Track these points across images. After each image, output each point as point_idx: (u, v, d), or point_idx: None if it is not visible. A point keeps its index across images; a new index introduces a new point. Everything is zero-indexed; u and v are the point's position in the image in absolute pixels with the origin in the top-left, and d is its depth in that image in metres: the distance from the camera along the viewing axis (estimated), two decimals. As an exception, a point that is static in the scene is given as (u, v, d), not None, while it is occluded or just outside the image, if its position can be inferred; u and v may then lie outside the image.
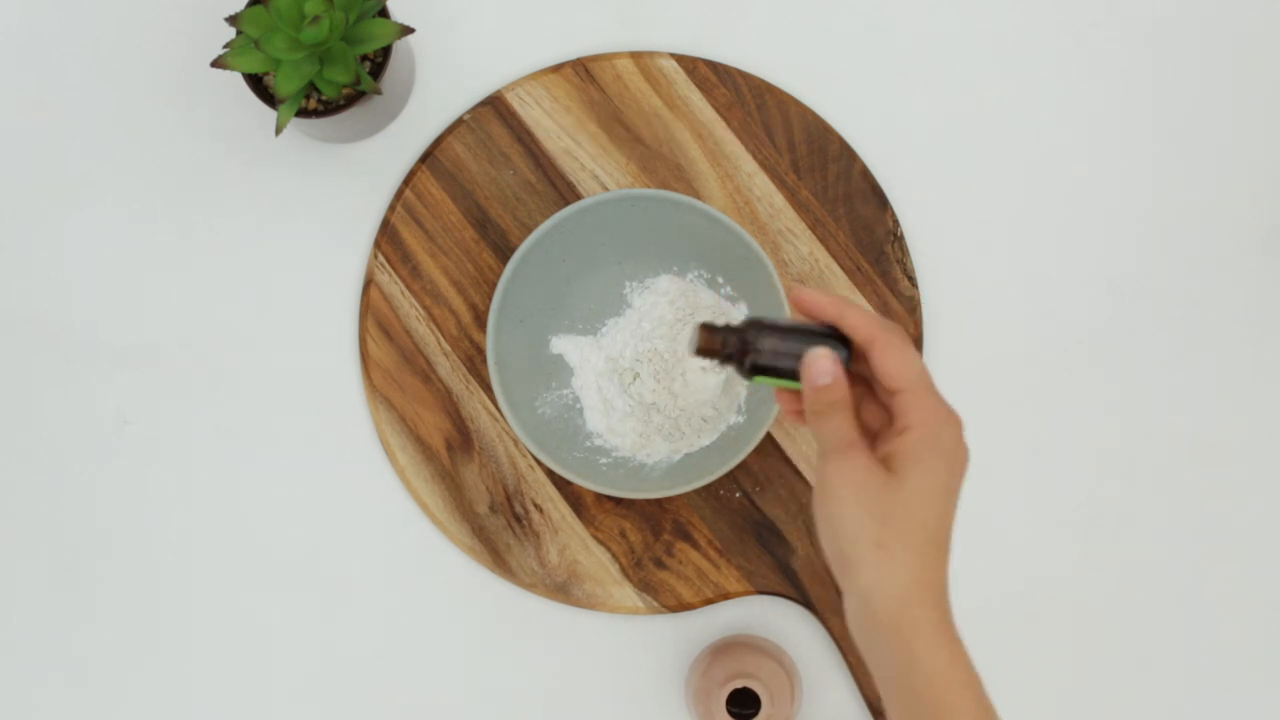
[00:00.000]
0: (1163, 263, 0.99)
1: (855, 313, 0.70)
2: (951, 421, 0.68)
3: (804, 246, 0.97)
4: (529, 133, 0.98)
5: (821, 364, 0.69)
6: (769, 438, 0.97)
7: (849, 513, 0.67)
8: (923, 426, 0.68)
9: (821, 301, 0.70)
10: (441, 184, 0.98)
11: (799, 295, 0.71)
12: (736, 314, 0.95)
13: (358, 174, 0.99)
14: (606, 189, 0.98)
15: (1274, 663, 0.98)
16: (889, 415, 0.70)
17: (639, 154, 0.98)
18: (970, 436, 1.01)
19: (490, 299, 0.97)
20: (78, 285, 0.99)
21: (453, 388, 0.97)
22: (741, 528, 0.97)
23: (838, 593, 0.96)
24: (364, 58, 0.93)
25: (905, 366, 0.68)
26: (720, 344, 0.70)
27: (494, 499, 0.97)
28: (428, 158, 0.98)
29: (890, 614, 0.67)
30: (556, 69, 0.98)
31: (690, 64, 0.98)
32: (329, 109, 0.92)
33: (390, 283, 0.98)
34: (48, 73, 1.00)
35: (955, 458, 0.68)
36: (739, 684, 0.88)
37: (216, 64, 0.88)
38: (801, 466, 0.97)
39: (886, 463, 0.68)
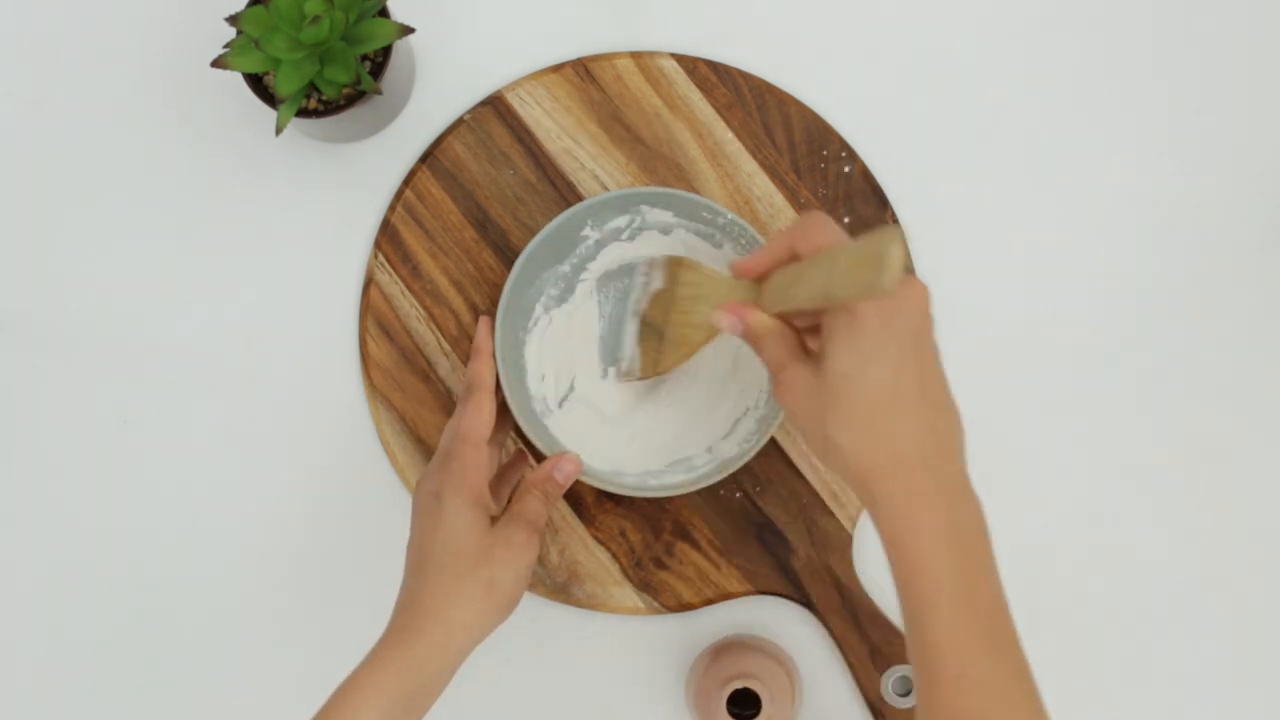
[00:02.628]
0: (1163, 262, 0.99)
1: (773, 245, 0.75)
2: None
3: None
4: (529, 133, 0.98)
5: (724, 318, 0.77)
6: (770, 438, 0.97)
7: (800, 425, 0.72)
8: (830, 313, 0.71)
9: (753, 263, 0.76)
10: (441, 184, 0.98)
11: (735, 268, 0.78)
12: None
13: (358, 174, 0.99)
14: (607, 189, 0.98)
15: (1274, 663, 0.98)
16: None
17: (639, 154, 0.98)
18: (970, 436, 1.01)
19: (490, 299, 0.97)
20: (78, 285, 0.99)
21: (453, 388, 0.97)
22: (742, 528, 0.97)
23: (838, 590, 0.96)
24: (364, 58, 0.93)
25: (814, 249, 0.72)
26: None
27: (494, 499, 0.97)
28: (428, 158, 0.98)
29: (862, 493, 0.70)
30: (556, 69, 0.98)
31: (690, 64, 0.98)
32: (329, 109, 0.92)
33: (390, 283, 0.98)
34: (48, 73, 1.00)
35: (879, 323, 0.69)
36: (739, 684, 0.88)
37: (216, 64, 0.88)
38: (802, 467, 0.97)
39: (816, 359, 0.72)
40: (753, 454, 0.90)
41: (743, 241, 0.92)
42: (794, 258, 0.75)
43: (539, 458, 0.96)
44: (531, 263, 0.92)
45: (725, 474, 0.90)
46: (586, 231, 0.93)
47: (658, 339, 0.90)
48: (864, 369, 0.69)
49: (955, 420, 0.72)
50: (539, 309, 0.94)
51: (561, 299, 0.95)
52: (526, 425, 0.90)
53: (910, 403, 0.69)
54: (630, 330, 0.93)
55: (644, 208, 0.93)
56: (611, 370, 0.94)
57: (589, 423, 0.94)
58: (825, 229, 0.73)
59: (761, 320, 0.76)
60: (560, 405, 0.94)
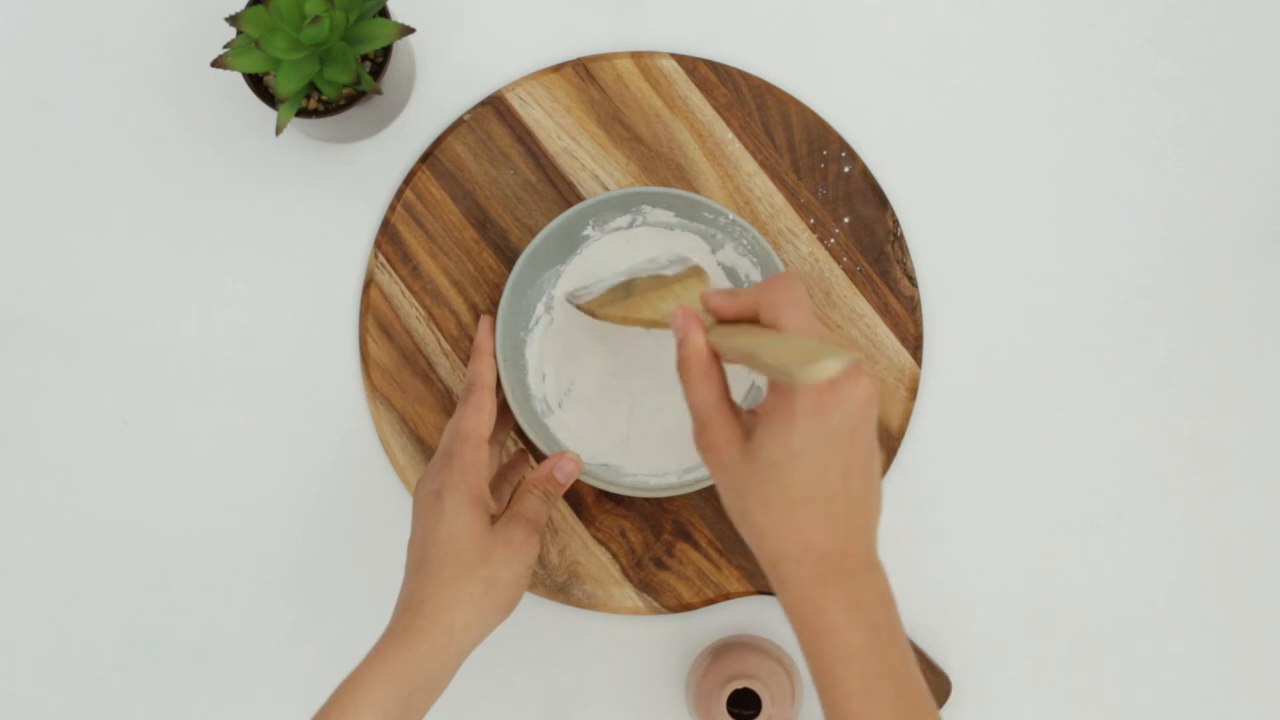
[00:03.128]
0: (1163, 261, 0.99)
1: (743, 300, 0.73)
2: (810, 388, 0.68)
3: (804, 246, 0.97)
4: (529, 133, 0.98)
5: (676, 317, 0.74)
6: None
7: (720, 487, 0.72)
8: (772, 394, 0.70)
9: (718, 305, 0.75)
10: (442, 184, 0.98)
11: (703, 299, 0.75)
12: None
13: (358, 174, 0.99)
14: (607, 189, 0.97)
15: (1275, 663, 0.98)
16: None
17: (639, 154, 0.98)
18: (970, 436, 1.01)
19: (491, 299, 0.97)
20: (78, 285, 0.99)
21: (453, 388, 0.97)
22: (742, 528, 0.97)
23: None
24: (364, 58, 0.93)
25: (780, 325, 0.71)
26: None
27: (494, 499, 0.97)
28: (428, 158, 0.98)
29: (768, 570, 0.71)
30: (556, 69, 0.98)
31: (690, 64, 0.98)
32: (329, 109, 0.92)
33: (390, 283, 0.98)
34: (48, 73, 1.00)
35: (814, 423, 0.69)
36: (739, 684, 0.88)
37: (216, 64, 0.88)
38: (802, 466, 0.97)
39: (747, 427, 0.71)
40: None
41: (744, 242, 0.92)
42: (755, 318, 0.74)
43: (539, 457, 0.96)
44: (532, 262, 0.92)
45: None
46: (588, 231, 0.93)
47: (625, 294, 0.89)
48: (791, 464, 0.69)
49: (874, 508, 0.72)
50: (540, 309, 0.94)
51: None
52: (527, 425, 0.90)
53: (829, 497, 0.70)
54: (615, 279, 0.92)
55: (645, 207, 0.93)
56: (568, 298, 0.93)
57: (589, 422, 0.94)
58: (792, 309, 0.71)
59: (698, 343, 0.74)
60: (560, 405, 0.94)
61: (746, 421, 0.73)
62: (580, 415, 0.95)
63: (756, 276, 0.93)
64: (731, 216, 0.91)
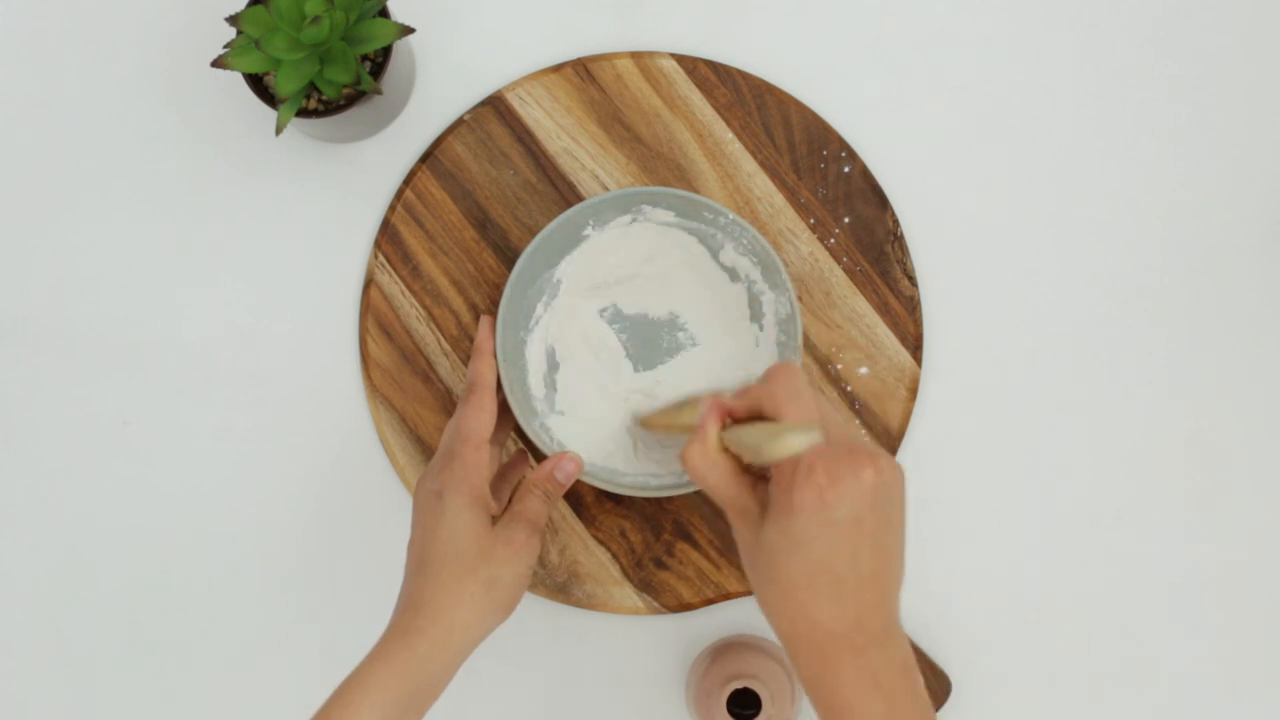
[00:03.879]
0: (1163, 262, 0.99)
1: (750, 394, 0.74)
2: (809, 483, 0.69)
3: (804, 247, 0.97)
4: (529, 133, 0.98)
5: (692, 443, 0.75)
6: (769, 438, 0.97)
7: (744, 564, 0.74)
8: (775, 484, 0.71)
9: (727, 408, 0.75)
10: (442, 184, 0.98)
11: (705, 407, 0.76)
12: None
13: (358, 174, 0.99)
14: (606, 189, 0.98)
15: (1275, 663, 0.98)
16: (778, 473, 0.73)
17: (639, 154, 0.98)
18: (970, 436, 1.01)
19: (491, 299, 0.97)
20: (78, 285, 0.99)
21: (453, 388, 0.97)
22: (742, 528, 0.97)
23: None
24: (364, 58, 0.93)
25: (782, 417, 0.72)
26: None
27: (494, 499, 0.97)
28: (428, 158, 0.98)
29: (785, 646, 0.72)
30: (556, 69, 0.98)
31: (690, 64, 0.98)
32: (329, 109, 0.92)
33: (390, 283, 0.98)
34: (48, 73, 1.00)
35: (814, 517, 0.69)
36: (739, 684, 0.88)
37: (216, 64, 0.88)
38: (801, 466, 0.97)
39: (762, 513, 0.73)
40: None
41: (744, 241, 0.92)
42: (758, 414, 0.74)
43: (539, 457, 0.96)
44: (533, 262, 0.92)
45: None
46: (587, 231, 0.93)
47: (677, 408, 0.91)
48: (792, 551, 0.70)
49: (890, 582, 0.72)
50: (540, 308, 0.94)
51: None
52: (527, 424, 0.90)
53: (835, 580, 0.70)
54: (677, 399, 0.93)
55: (645, 207, 0.93)
56: (638, 379, 0.94)
57: (589, 422, 0.94)
58: (792, 401, 0.72)
59: (705, 435, 0.75)
60: (560, 405, 0.94)
61: (763, 495, 0.73)
62: (581, 415, 0.94)
63: (756, 276, 0.93)
64: (731, 216, 0.91)
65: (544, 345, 0.95)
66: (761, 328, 0.94)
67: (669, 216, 0.93)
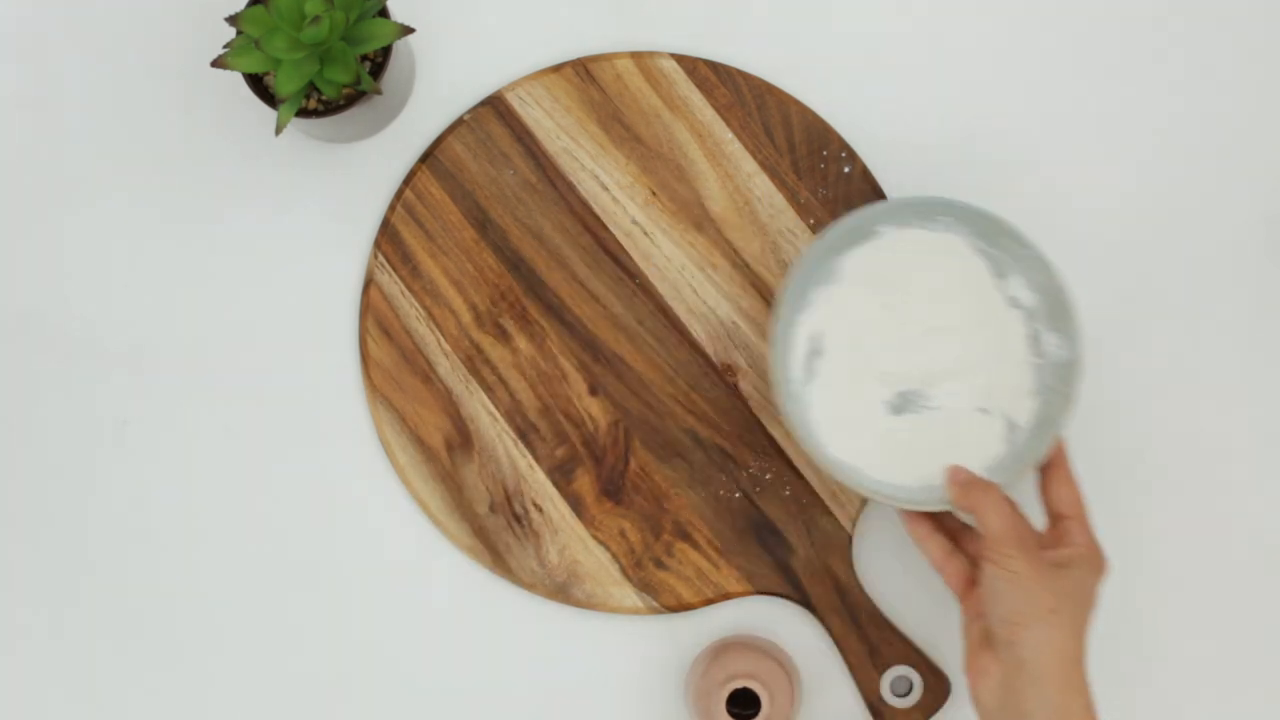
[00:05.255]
0: (1163, 263, 0.99)
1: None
2: (1097, 553, 0.87)
3: (804, 247, 0.97)
4: (529, 133, 0.98)
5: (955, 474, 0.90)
6: (769, 438, 0.97)
7: (1026, 586, 0.83)
8: (1086, 546, 0.86)
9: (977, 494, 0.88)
10: (441, 184, 0.98)
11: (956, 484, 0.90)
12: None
13: (358, 174, 0.99)
14: (606, 189, 0.98)
15: (1276, 663, 0.98)
16: (1053, 534, 0.88)
17: (639, 154, 0.98)
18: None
19: (491, 299, 0.97)
20: (78, 285, 0.99)
21: (452, 388, 0.97)
22: (741, 528, 0.97)
23: (837, 590, 0.96)
24: (364, 58, 0.93)
25: (1076, 497, 0.88)
26: None
27: (493, 499, 0.97)
28: (428, 158, 0.98)
29: (1062, 669, 0.82)
30: (556, 69, 0.98)
31: (690, 64, 0.98)
32: (329, 109, 0.92)
33: (390, 283, 0.98)
34: (48, 73, 1.00)
35: (1098, 577, 0.86)
36: (739, 684, 0.88)
37: (216, 64, 0.88)
38: (801, 467, 0.97)
39: (1054, 563, 0.85)
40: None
41: (1035, 277, 0.90)
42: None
43: (777, 447, 0.95)
44: (823, 250, 0.91)
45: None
46: (881, 228, 0.92)
47: None
48: (1092, 596, 0.87)
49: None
50: (816, 293, 0.92)
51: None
52: (781, 406, 0.90)
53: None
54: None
55: (945, 218, 0.91)
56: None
57: (838, 412, 0.92)
58: (1074, 487, 0.91)
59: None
60: (813, 391, 0.93)
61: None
62: (831, 403, 0.93)
63: (1040, 314, 0.91)
64: (1033, 250, 0.90)
65: (810, 329, 0.93)
66: (1032, 365, 0.92)
67: (965, 232, 0.92)
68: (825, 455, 0.91)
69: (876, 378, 0.92)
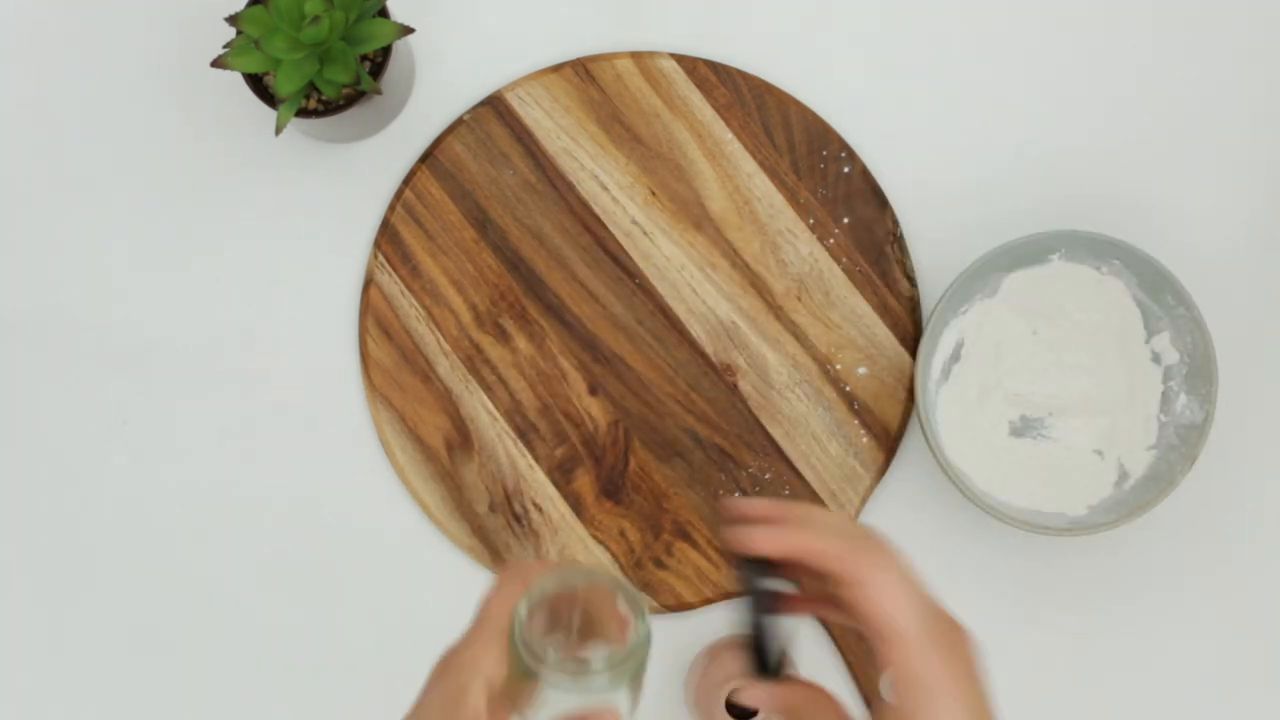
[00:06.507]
0: (1163, 262, 0.99)
1: (811, 540, 0.61)
2: (946, 689, 0.59)
3: (804, 247, 0.97)
4: (529, 133, 0.98)
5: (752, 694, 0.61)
6: (769, 438, 0.97)
7: None
8: (911, 695, 0.59)
9: (761, 539, 0.61)
10: (441, 184, 0.98)
11: (728, 537, 0.62)
12: None
13: (358, 174, 0.99)
14: (606, 189, 0.98)
15: (1276, 664, 0.98)
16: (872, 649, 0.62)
17: (639, 154, 0.98)
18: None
19: (490, 299, 0.97)
20: (77, 285, 0.99)
21: (452, 387, 0.97)
22: (741, 528, 0.97)
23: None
24: (364, 58, 0.93)
25: (892, 611, 0.59)
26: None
27: (493, 498, 0.97)
28: (428, 158, 0.98)
29: None
30: (556, 69, 0.98)
31: (690, 64, 0.98)
32: (329, 109, 0.92)
33: (390, 283, 0.98)
34: (48, 73, 1.00)
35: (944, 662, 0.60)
36: (739, 684, 0.88)
37: (216, 64, 0.88)
38: (801, 467, 0.97)
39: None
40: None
41: (1184, 338, 0.92)
42: (832, 571, 0.65)
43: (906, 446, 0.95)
44: (999, 258, 0.92)
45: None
46: (1053, 257, 0.94)
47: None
48: None
49: None
50: (973, 300, 0.94)
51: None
52: (920, 403, 0.92)
53: None
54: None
55: (1115, 261, 0.93)
56: None
57: (963, 419, 0.94)
58: (886, 595, 0.61)
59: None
60: (946, 396, 0.95)
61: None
62: (956, 407, 0.95)
63: (1179, 373, 0.93)
64: (1193, 311, 0.91)
65: (959, 334, 0.95)
66: (1158, 420, 0.94)
67: (1131, 280, 0.93)
68: (943, 456, 0.93)
69: (1005, 397, 0.95)
